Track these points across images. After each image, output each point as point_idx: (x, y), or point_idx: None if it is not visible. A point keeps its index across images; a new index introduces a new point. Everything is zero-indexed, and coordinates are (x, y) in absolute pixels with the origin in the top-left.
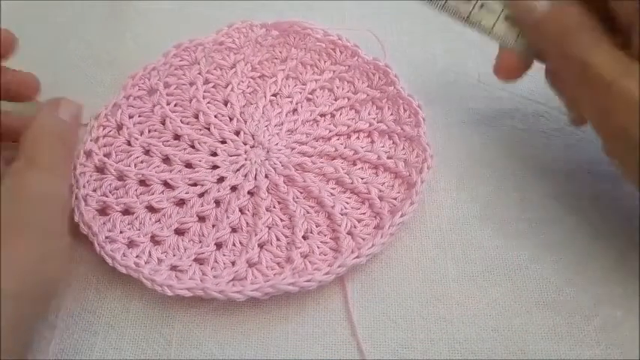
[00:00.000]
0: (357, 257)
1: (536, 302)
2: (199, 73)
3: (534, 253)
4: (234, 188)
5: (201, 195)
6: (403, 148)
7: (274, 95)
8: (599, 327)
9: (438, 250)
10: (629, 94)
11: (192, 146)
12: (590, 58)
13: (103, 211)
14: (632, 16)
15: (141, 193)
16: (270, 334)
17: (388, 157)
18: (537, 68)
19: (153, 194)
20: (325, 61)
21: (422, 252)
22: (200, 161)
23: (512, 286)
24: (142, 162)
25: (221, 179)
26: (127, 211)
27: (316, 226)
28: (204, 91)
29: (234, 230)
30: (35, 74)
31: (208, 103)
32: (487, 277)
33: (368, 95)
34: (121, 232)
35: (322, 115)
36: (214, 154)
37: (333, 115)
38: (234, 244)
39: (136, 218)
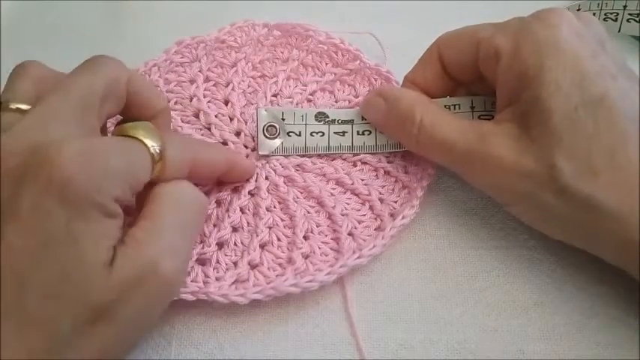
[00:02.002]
0: (359, 258)
1: (536, 302)
2: (200, 71)
3: (534, 253)
4: (235, 189)
5: None
6: (403, 157)
7: (275, 96)
8: (598, 327)
9: (437, 250)
10: (490, 157)
11: None
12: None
13: None
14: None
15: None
16: (270, 334)
17: (388, 162)
18: None
19: None
20: (327, 63)
21: (421, 252)
22: None
23: (512, 287)
24: None
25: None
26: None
27: (317, 227)
28: (205, 89)
29: (235, 230)
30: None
31: (209, 102)
32: (487, 277)
33: None
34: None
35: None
36: None
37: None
38: (235, 244)
39: None
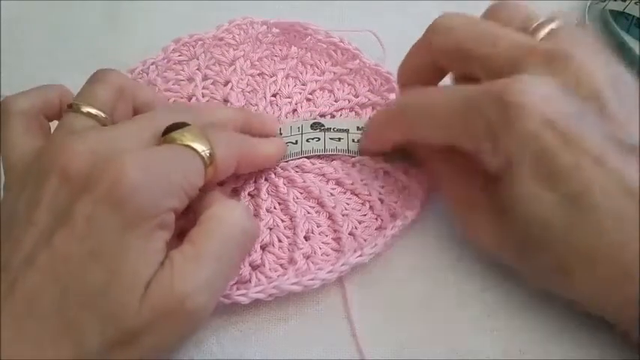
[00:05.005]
0: (360, 256)
1: (536, 303)
2: (198, 69)
3: None
4: (235, 190)
5: None
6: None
7: (274, 95)
8: (599, 327)
9: (437, 250)
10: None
11: None
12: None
13: None
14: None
15: None
16: (270, 334)
17: (387, 163)
18: None
19: None
20: (326, 62)
21: (421, 252)
22: None
23: (512, 287)
24: None
25: (221, 182)
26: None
27: (317, 227)
28: (203, 88)
29: None
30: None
31: (207, 101)
32: (487, 277)
33: (369, 100)
34: None
35: (322, 115)
36: None
37: (333, 116)
38: None
39: None
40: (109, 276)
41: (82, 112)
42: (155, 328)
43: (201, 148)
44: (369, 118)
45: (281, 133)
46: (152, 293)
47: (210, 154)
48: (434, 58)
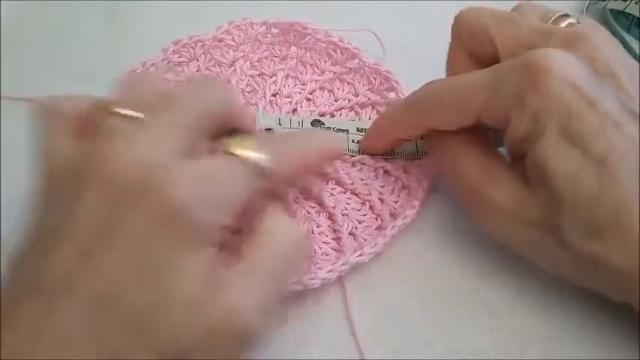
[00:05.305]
0: (360, 255)
1: (536, 303)
2: (198, 70)
3: None
4: None
5: None
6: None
7: (274, 95)
8: (599, 327)
9: (438, 250)
10: (490, 202)
11: None
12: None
13: None
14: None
15: None
16: (270, 333)
17: (388, 162)
18: None
19: None
20: (326, 62)
21: (422, 252)
22: None
23: (512, 287)
24: None
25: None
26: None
27: (317, 227)
28: None
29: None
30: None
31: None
32: (487, 277)
33: (369, 99)
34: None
35: (322, 115)
36: None
37: (332, 116)
38: None
39: None
40: (158, 295)
41: (119, 115)
42: (207, 347)
43: (257, 160)
44: (378, 116)
45: (280, 124)
46: (204, 311)
47: (266, 167)
48: (465, 47)
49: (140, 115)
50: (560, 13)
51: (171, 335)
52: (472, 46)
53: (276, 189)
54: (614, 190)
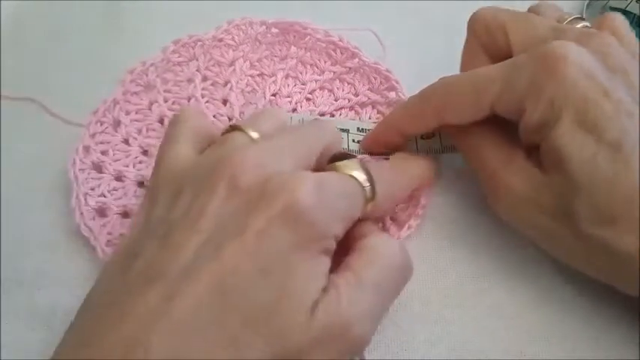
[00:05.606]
0: None
1: (536, 303)
2: (197, 70)
3: (536, 253)
4: None
5: None
6: None
7: (274, 95)
8: (599, 328)
9: (438, 251)
10: (507, 187)
11: None
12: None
13: (101, 211)
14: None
15: (140, 195)
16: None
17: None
18: None
19: None
20: (325, 61)
21: (422, 252)
22: None
23: (513, 287)
24: (140, 162)
25: None
26: (126, 214)
27: None
28: (203, 89)
29: None
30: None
31: (207, 102)
32: (488, 277)
33: (369, 99)
34: (120, 236)
35: (322, 114)
36: None
37: (332, 115)
38: None
39: None
40: (278, 294)
41: (246, 133)
42: (319, 350)
43: (365, 182)
44: (390, 111)
45: None
46: (319, 315)
47: (371, 189)
48: (480, 42)
49: (257, 135)
50: (575, 16)
51: (288, 333)
52: (487, 42)
53: (374, 216)
54: (628, 177)
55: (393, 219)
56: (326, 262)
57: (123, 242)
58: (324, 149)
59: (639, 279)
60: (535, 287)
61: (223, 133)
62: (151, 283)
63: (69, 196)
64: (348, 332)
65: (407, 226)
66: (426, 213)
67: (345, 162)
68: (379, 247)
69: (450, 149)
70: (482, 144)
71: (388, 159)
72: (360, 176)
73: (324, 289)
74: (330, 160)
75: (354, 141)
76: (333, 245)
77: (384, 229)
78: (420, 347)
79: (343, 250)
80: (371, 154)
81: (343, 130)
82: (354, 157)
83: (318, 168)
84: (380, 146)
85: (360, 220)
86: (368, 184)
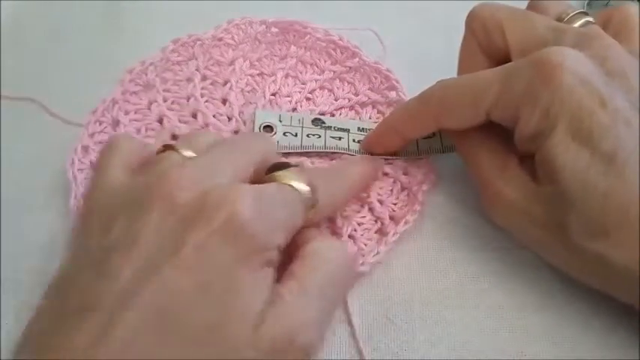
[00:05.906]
0: (362, 265)
1: (537, 304)
2: (197, 69)
3: (535, 255)
4: None
5: None
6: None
7: (273, 95)
8: (600, 328)
9: (438, 251)
10: (499, 194)
11: None
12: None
13: None
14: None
15: None
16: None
17: (388, 163)
18: None
19: None
20: (325, 61)
21: (422, 253)
22: None
23: (513, 288)
24: None
25: None
26: None
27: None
28: (202, 89)
29: None
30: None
31: (206, 101)
32: (488, 278)
33: (369, 98)
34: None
35: (322, 114)
36: None
37: (332, 115)
38: None
39: None
40: (221, 310)
41: (179, 152)
42: None
43: (304, 190)
44: (389, 113)
45: (281, 121)
46: (265, 328)
47: (311, 197)
48: (477, 41)
49: (191, 154)
50: (578, 10)
51: (235, 350)
52: (484, 41)
53: (316, 222)
54: (622, 189)
55: (391, 216)
56: (269, 274)
57: (58, 272)
58: (262, 160)
59: (634, 291)
60: (535, 288)
61: (158, 153)
62: (88, 312)
63: (69, 196)
64: (295, 342)
65: (404, 221)
66: (424, 209)
67: (283, 172)
68: (322, 252)
69: (450, 149)
70: (478, 149)
71: (388, 159)
72: (299, 185)
73: (269, 301)
74: (269, 170)
75: (354, 141)
76: (275, 256)
77: (381, 222)
78: (420, 347)
79: (288, 257)
80: (371, 154)
81: (343, 130)
82: (293, 166)
83: (256, 180)
84: (380, 147)
85: (303, 227)
86: (308, 192)
